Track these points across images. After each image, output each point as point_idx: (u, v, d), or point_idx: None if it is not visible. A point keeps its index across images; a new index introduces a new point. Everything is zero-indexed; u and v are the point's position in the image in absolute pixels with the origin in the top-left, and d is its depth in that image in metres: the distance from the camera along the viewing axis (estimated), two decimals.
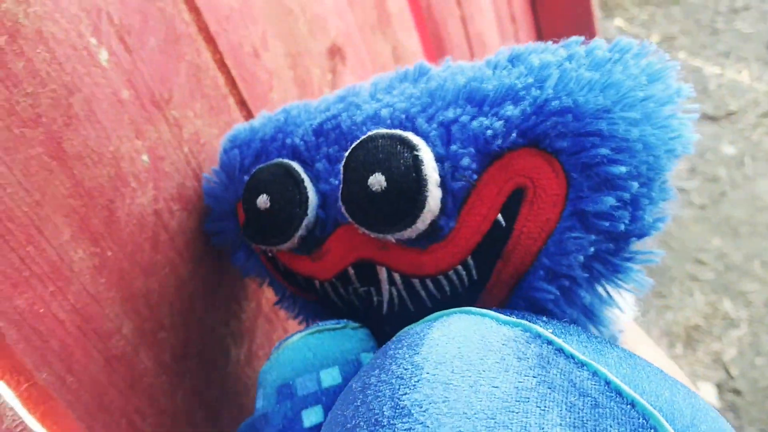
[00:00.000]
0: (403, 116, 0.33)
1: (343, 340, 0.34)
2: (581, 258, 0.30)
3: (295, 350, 0.34)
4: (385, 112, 0.34)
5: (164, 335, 0.37)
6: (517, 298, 0.33)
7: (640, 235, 0.30)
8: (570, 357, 0.24)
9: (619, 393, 0.23)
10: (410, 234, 0.32)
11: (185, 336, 0.39)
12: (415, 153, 0.31)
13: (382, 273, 0.35)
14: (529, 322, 0.27)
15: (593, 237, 0.30)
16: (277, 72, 0.49)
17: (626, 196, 0.29)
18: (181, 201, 0.39)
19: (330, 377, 0.33)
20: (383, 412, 0.23)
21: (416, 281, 0.34)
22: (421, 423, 0.22)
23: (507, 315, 0.27)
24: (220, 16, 0.44)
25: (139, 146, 0.36)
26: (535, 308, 0.33)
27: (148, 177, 0.36)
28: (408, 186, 0.31)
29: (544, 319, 0.31)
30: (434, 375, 0.24)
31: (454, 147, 0.31)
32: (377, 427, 0.23)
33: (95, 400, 0.32)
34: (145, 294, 0.36)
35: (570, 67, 0.30)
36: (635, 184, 0.28)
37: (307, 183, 0.35)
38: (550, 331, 0.26)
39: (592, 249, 0.30)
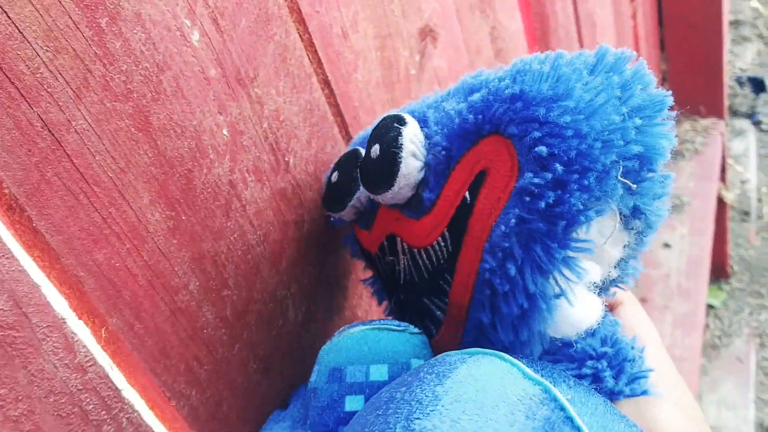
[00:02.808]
0: (426, 109, 0.39)
1: (399, 342, 0.38)
2: (503, 228, 0.33)
3: (354, 340, 0.38)
4: (417, 107, 0.40)
5: (228, 293, 0.41)
6: (481, 272, 0.35)
7: (570, 220, 0.31)
8: (576, 429, 0.26)
9: None
10: (393, 197, 0.38)
11: (247, 295, 0.42)
12: (399, 127, 0.37)
13: (399, 244, 0.40)
14: (554, 382, 0.29)
15: (518, 211, 0.32)
16: (363, 53, 0.51)
17: (548, 176, 0.31)
18: (257, 173, 0.42)
19: (378, 373, 0.37)
20: (395, 429, 0.26)
21: (416, 252, 0.39)
22: None
23: (536, 370, 0.29)
24: None
25: (221, 121, 0.39)
26: (489, 283, 0.34)
27: (226, 149, 0.39)
28: (389, 153, 0.37)
29: (573, 381, 0.32)
30: (447, 410, 0.26)
31: (435, 128, 0.37)
32: None
33: (158, 345, 0.36)
34: (213, 255, 0.39)
35: (534, 62, 0.33)
36: (559, 167, 0.30)
37: None
38: (569, 396, 0.28)
39: (513, 221, 0.32)
